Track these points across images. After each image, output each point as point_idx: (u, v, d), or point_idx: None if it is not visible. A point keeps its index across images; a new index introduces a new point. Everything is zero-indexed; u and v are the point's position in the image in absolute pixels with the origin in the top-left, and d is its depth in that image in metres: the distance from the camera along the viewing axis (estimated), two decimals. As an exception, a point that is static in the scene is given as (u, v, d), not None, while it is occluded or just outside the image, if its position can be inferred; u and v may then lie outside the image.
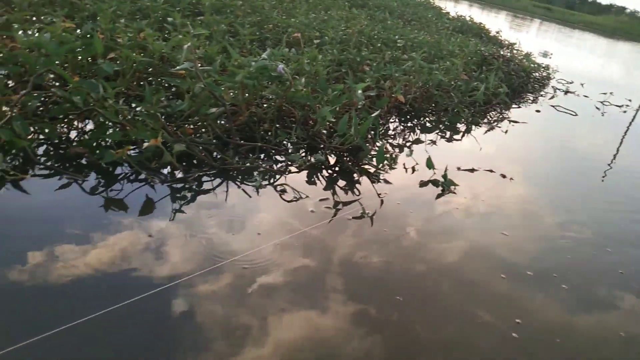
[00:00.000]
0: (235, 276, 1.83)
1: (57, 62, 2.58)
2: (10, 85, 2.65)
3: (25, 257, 1.72)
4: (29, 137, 2.36)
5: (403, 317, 1.81)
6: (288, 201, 2.46)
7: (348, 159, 3.01)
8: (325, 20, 5.65)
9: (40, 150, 2.38)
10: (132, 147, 2.40)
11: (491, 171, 3.44)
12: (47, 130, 2.43)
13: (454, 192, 2.92)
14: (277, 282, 1.85)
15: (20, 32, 2.73)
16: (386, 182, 2.88)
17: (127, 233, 1.96)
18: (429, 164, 2.98)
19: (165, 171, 2.43)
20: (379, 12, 8.29)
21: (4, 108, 2.38)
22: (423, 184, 2.97)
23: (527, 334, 1.86)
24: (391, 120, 4.10)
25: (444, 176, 2.93)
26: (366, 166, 2.99)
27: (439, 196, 2.87)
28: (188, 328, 1.56)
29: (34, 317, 1.49)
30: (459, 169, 3.32)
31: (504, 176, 3.40)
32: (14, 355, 1.33)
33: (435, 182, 2.96)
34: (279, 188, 2.55)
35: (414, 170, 3.09)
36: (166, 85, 3.28)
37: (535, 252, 2.55)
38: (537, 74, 7.73)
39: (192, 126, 2.88)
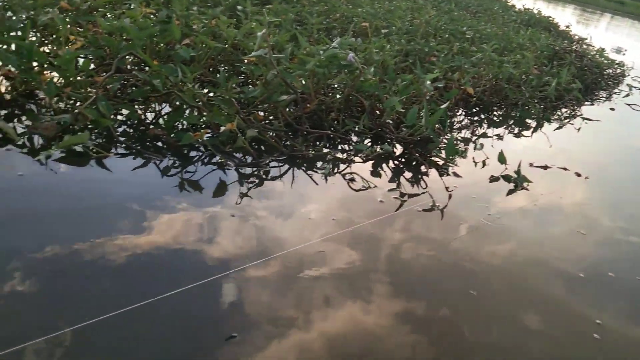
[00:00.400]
0: (309, 261, 1.84)
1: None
2: (91, 68, 2.77)
3: (103, 231, 1.78)
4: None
5: (481, 312, 1.76)
6: (356, 190, 2.45)
7: (416, 150, 2.96)
8: (391, 10, 5.58)
9: (120, 131, 2.48)
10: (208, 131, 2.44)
11: (565, 169, 3.29)
12: (127, 112, 2.53)
13: (527, 189, 2.82)
14: (352, 269, 1.85)
15: (102, 18, 2.85)
16: (456, 175, 2.81)
17: (200, 214, 2.00)
18: (501, 159, 2.89)
19: (237, 155, 2.48)
20: (444, 3, 8.10)
21: (89, 89, 2.50)
22: (494, 179, 2.88)
23: (609, 335, 1.78)
24: (458, 112, 4.00)
25: (517, 172, 2.83)
26: (435, 159, 2.94)
27: (510, 192, 2.78)
28: (256, 312, 1.58)
29: (109, 294, 1.52)
30: (531, 165, 3.20)
31: (578, 175, 3.26)
32: (98, 325, 1.38)
33: (507, 178, 2.87)
34: (347, 177, 2.55)
35: (484, 164, 3.00)
36: (237, 72, 3.33)
37: (617, 253, 2.42)
38: (610, 71, 7.34)
39: (262, 113, 2.91)
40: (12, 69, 2.52)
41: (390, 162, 2.84)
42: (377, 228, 2.15)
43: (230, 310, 1.54)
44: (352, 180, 2.52)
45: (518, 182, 2.82)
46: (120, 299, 1.47)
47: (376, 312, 1.65)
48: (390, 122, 3.12)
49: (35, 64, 2.46)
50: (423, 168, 2.83)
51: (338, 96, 3.13)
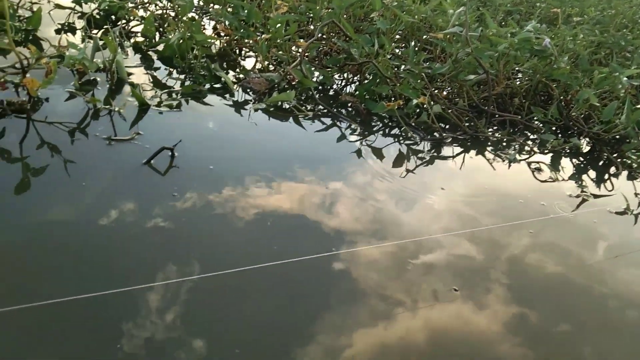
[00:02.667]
0: (490, 245, 1.84)
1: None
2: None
3: (279, 183, 1.91)
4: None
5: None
6: (542, 181, 2.37)
7: (607, 148, 2.77)
8: (581, -3, 5.15)
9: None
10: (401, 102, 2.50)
11: None
12: (322, 77, 2.70)
13: None
14: (539, 259, 1.82)
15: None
16: (651, 181, 2.59)
17: (377, 181, 2.08)
18: None
19: (420, 130, 2.53)
20: (636, -6, 7.27)
21: (293, 51, 2.69)
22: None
23: None
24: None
25: None
26: (628, 161, 2.72)
27: None
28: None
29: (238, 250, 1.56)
30: None
31: None
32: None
33: None
34: (533, 165, 2.47)
35: (685, 174, 2.72)
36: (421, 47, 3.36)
37: None
38: None
39: (447, 90, 2.92)
40: (229, 26, 2.81)
41: (576, 157, 2.69)
42: (565, 223, 2.07)
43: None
44: (538, 170, 2.45)
45: None
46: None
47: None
48: (578, 115, 2.95)
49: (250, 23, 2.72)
50: (613, 169, 2.64)
51: (526, 82, 3.02)
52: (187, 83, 2.38)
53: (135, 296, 1.24)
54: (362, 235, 1.68)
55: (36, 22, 2.49)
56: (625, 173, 2.62)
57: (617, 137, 2.76)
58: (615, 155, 2.75)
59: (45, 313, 1.13)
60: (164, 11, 3.07)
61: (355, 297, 1.42)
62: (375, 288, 1.46)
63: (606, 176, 2.57)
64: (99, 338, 1.13)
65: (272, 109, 2.38)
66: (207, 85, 2.44)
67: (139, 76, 2.43)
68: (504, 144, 2.62)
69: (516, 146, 2.60)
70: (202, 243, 1.48)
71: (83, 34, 2.66)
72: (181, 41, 2.48)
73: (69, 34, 2.71)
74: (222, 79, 2.43)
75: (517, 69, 3.15)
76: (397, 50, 3.17)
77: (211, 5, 3.14)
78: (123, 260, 1.36)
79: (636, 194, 2.45)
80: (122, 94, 2.23)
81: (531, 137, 2.77)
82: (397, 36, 3.42)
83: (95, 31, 2.75)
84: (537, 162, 2.50)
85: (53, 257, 1.32)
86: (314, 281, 1.45)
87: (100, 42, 2.29)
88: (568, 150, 2.70)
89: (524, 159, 2.52)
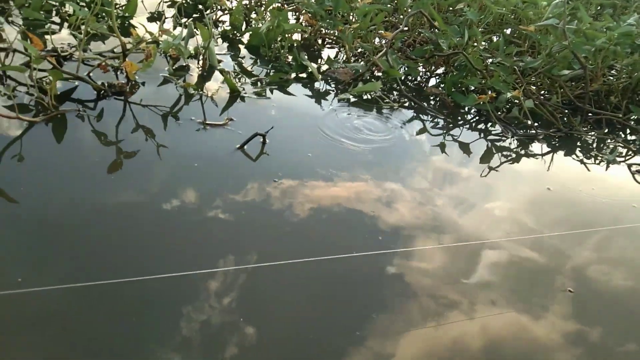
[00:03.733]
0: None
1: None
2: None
3: (338, 171, 1.86)
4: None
5: None
6: (642, 183, 2.21)
7: None
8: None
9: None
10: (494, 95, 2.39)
11: None
12: (408, 68, 2.64)
13: None
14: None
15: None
16: None
17: (466, 178, 1.99)
18: None
19: (511, 126, 2.41)
20: None
21: (377, 42, 2.65)
22: None
23: None
24: None
25: None
26: None
27: None
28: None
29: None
30: None
31: None
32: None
33: None
34: (633, 168, 2.31)
35: None
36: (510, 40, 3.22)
37: None
38: None
39: (538, 86, 2.78)
40: (314, 17, 2.80)
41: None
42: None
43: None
44: (638, 172, 2.28)
45: None
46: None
47: None
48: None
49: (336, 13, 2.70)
50: None
51: (624, 79, 2.82)
52: (272, 72, 2.39)
53: (223, 275, 1.25)
54: (435, 233, 1.62)
55: (132, 9, 2.58)
56: None
57: None
58: None
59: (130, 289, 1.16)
60: (251, 1, 3.10)
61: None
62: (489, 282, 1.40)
63: None
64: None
65: (358, 100, 2.35)
66: (293, 75, 2.44)
67: (227, 64, 2.47)
68: (603, 144, 2.46)
69: (615, 146, 2.43)
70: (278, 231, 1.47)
71: (174, 22, 2.73)
72: (269, 30, 2.49)
73: (158, 22, 2.80)
74: (309, 69, 2.42)
75: (614, 65, 2.95)
76: (483, 44, 3.05)
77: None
78: (211, 242, 1.37)
79: None
80: (212, 80, 2.27)
81: (630, 138, 2.58)
82: (483, 29, 3.30)
83: (184, 20, 2.82)
84: (638, 164, 2.33)
85: (141, 237, 1.35)
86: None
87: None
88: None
89: (624, 161, 2.36)
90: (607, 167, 2.28)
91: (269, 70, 2.44)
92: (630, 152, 2.46)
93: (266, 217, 1.49)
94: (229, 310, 1.16)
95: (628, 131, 2.65)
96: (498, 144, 2.27)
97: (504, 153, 2.21)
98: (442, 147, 2.15)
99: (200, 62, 2.31)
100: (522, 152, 2.25)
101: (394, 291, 1.33)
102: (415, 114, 2.35)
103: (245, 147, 1.77)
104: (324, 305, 1.25)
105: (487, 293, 1.39)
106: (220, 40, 2.67)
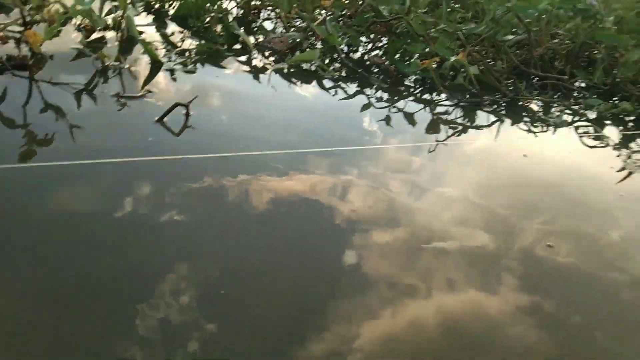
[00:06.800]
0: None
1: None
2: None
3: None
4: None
5: None
6: (590, 147, 2.16)
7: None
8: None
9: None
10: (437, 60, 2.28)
11: None
12: (349, 37, 2.50)
13: None
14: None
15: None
16: None
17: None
18: None
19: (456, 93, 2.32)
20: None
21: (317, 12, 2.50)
22: None
23: None
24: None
25: None
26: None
27: None
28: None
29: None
30: None
31: None
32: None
33: None
34: (580, 130, 2.26)
35: None
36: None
37: None
38: None
39: (483, 52, 2.70)
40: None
41: (623, 123, 2.47)
42: (616, 190, 1.86)
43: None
44: (586, 134, 2.23)
45: None
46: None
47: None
48: (625, 78, 2.71)
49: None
50: (668, 135, 2.41)
51: (567, 43, 2.78)
52: (201, 43, 2.20)
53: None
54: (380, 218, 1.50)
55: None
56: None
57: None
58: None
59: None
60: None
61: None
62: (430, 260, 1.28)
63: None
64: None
65: (293, 70, 2.19)
66: (225, 47, 2.25)
67: (152, 36, 2.26)
68: (549, 108, 2.41)
69: (561, 110, 2.38)
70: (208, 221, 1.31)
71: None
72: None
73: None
74: (240, 38, 2.25)
75: (557, 31, 2.91)
76: (426, 10, 2.94)
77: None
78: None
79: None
80: (133, 52, 2.06)
81: (574, 102, 2.54)
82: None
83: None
84: (586, 127, 2.28)
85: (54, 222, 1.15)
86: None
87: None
88: (618, 116, 2.48)
89: (571, 123, 2.30)
90: (554, 131, 2.22)
91: (199, 42, 2.25)
92: (576, 116, 2.41)
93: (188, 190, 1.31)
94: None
95: (573, 96, 2.61)
96: (443, 114, 2.17)
97: (449, 122, 2.11)
98: (388, 120, 2.02)
99: (119, 34, 2.09)
100: (467, 120, 2.16)
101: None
102: (358, 85, 2.22)
103: (165, 119, 1.58)
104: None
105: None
106: (143, 12, 2.45)
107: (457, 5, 3.10)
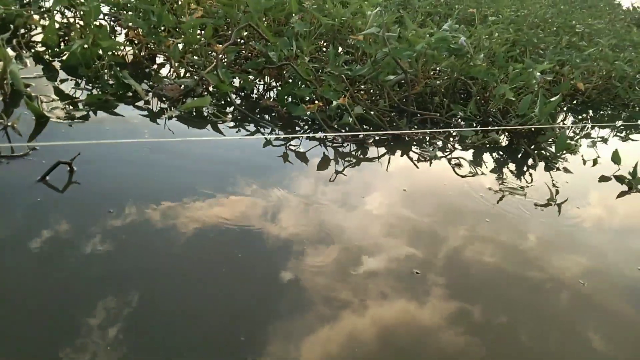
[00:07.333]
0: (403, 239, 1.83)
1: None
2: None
3: (206, 191, 1.81)
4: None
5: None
6: (462, 176, 2.40)
7: (524, 141, 2.86)
8: (496, -1, 5.39)
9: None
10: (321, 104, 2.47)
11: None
12: (242, 81, 2.62)
13: (642, 192, 2.65)
14: (470, 252, 1.82)
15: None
16: (566, 171, 2.69)
17: (305, 183, 2.03)
18: (616, 158, 2.72)
19: (343, 131, 2.50)
20: (548, -4, 7.70)
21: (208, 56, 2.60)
22: (604, 178, 2.73)
23: None
24: (564, 108, 3.81)
25: (633, 173, 2.66)
26: (543, 152, 2.82)
27: (622, 194, 2.62)
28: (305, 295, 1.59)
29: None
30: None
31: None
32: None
33: (620, 179, 2.71)
34: (453, 162, 2.50)
35: (595, 162, 2.84)
36: (344, 50, 3.36)
37: None
38: None
39: (370, 91, 2.92)
40: (140, 32, 2.68)
41: (496, 151, 2.76)
42: (484, 215, 2.10)
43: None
44: (458, 165, 2.48)
45: (633, 183, 2.65)
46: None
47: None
48: (497, 110, 3.03)
49: (161, 28, 2.61)
50: (530, 161, 2.73)
51: (443, 80, 3.07)
52: (91, 93, 2.23)
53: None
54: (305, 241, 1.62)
55: None
56: (542, 164, 2.72)
57: (532, 129, 2.86)
58: (532, 147, 2.84)
59: None
60: (69, 19, 2.88)
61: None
62: (321, 291, 1.40)
63: (525, 168, 2.65)
64: None
65: (188, 116, 2.28)
66: (116, 96, 2.30)
67: (41, 88, 2.26)
68: (427, 142, 2.65)
69: (437, 143, 2.63)
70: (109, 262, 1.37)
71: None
72: (85, 48, 2.33)
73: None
74: (133, 88, 2.30)
75: (437, 68, 3.20)
76: (319, 54, 3.14)
77: (122, 11, 2.99)
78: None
79: (554, 184, 2.53)
80: (19, 107, 2.05)
81: (453, 133, 2.81)
82: (322, 40, 3.40)
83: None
84: (457, 158, 2.53)
85: None
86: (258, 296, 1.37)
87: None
88: (487, 145, 2.77)
89: (445, 156, 2.55)
90: (430, 163, 2.45)
91: (90, 92, 2.28)
92: (451, 147, 2.67)
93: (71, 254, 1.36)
94: None
95: (450, 128, 2.88)
96: (337, 149, 2.34)
97: (338, 158, 2.28)
98: (285, 157, 2.17)
99: (3, 88, 2.08)
100: (354, 157, 2.34)
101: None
102: (252, 127, 2.34)
103: (47, 177, 1.61)
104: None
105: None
106: (32, 63, 2.44)
107: (349, 47, 3.35)
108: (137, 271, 1.35)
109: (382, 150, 2.47)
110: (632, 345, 1.54)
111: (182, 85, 2.41)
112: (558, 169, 2.70)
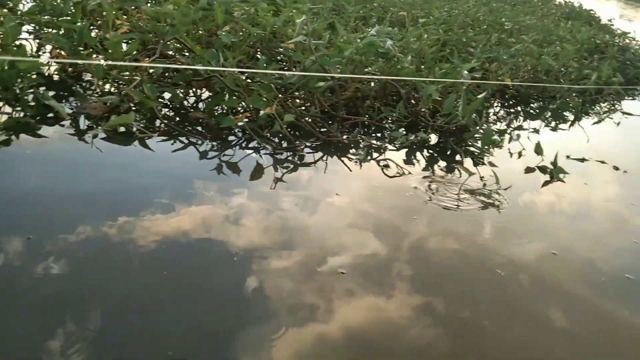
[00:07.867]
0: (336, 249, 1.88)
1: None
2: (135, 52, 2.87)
3: (142, 208, 1.84)
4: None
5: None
6: (390, 177, 2.48)
7: (451, 139, 2.97)
8: (429, 0, 5.54)
9: (162, 113, 2.56)
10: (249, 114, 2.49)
11: (603, 162, 3.24)
12: (170, 95, 2.62)
13: (563, 181, 2.79)
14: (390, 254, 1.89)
15: (147, 4, 2.93)
16: (491, 165, 2.81)
17: (238, 196, 2.06)
18: (539, 150, 2.86)
19: (275, 140, 2.53)
20: (482, -6, 7.96)
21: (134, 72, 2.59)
22: (529, 170, 2.87)
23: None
24: (495, 104, 3.97)
25: (554, 163, 2.80)
26: (470, 148, 2.94)
27: (546, 183, 2.76)
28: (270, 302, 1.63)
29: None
30: (568, 157, 3.15)
31: (616, 168, 3.20)
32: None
33: (543, 169, 2.85)
34: (382, 163, 2.58)
35: (520, 155, 2.98)
36: (275, 59, 3.39)
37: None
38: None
39: (298, 99, 2.96)
40: (62, 52, 2.63)
41: (425, 150, 2.86)
42: (412, 214, 2.17)
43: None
44: (387, 166, 2.55)
45: (554, 173, 2.80)
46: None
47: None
48: (426, 110, 3.13)
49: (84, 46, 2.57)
50: (458, 157, 2.83)
51: (374, 84, 3.15)
52: (9, 117, 2.19)
53: None
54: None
55: None
56: (469, 160, 2.83)
57: (455, 128, 2.97)
58: (458, 144, 2.95)
59: None
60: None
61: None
62: (284, 294, 1.42)
63: (453, 164, 2.75)
64: None
65: (114, 134, 2.26)
66: (37, 118, 2.26)
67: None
68: (360, 145, 2.71)
69: (366, 147, 2.69)
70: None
71: None
72: (3, 70, 2.27)
73: None
74: (54, 108, 2.27)
75: (367, 72, 3.28)
76: (251, 63, 3.16)
77: (44, 29, 2.92)
78: None
79: (482, 177, 2.64)
80: None
81: (382, 136, 2.89)
82: (252, 49, 3.42)
83: None
84: (386, 160, 2.61)
85: None
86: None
87: None
88: (418, 145, 2.86)
89: (375, 158, 2.62)
90: (360, 166, 2.52)
91: (10, 115, 2.23)
92: (381, 149, 2.74)
93: None
94: None
95: (381, 131, 2.96)
96: (271, 157, 2.37)
97: (271, 167, 2.32)
98: (219, 168, 2.19)
99: None
100: (285, 165, 2.37)
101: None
102: (175, 141, 2.34)
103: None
104: None
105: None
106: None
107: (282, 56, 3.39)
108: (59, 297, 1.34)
109: (314, 156, 2.51)
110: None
111: (108, 103, 2.38)
112: (484, 163, 2.82)
